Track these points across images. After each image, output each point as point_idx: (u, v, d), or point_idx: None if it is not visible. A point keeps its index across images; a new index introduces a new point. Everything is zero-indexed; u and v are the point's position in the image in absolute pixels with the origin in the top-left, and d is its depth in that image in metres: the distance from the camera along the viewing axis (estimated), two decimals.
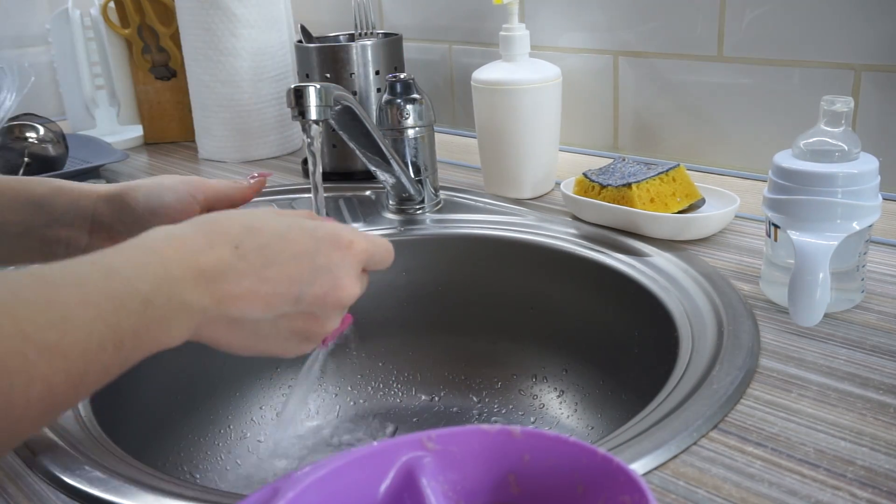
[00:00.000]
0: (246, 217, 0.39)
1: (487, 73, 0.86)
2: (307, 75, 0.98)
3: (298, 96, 0.63)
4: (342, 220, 0.86)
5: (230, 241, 0.37)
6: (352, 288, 0.41)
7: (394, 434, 0.69)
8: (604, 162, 0.86)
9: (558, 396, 0.78)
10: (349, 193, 0.94)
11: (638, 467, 0.44)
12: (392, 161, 0.79)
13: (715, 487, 0.42)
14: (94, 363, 0.31)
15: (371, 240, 0.44)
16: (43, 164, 1.02)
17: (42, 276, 0.31)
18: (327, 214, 0.79)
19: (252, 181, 0.57)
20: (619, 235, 0.76)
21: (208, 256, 0.36)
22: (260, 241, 0.38)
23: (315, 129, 0.64)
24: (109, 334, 0.32)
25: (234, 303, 0.36)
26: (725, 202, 0.77)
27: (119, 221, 0.50)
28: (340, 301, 0.41)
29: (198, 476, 0.70)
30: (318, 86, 0.63)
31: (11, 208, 0.48)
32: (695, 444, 0.46)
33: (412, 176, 0.84)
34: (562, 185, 0.82)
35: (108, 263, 0.33)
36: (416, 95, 0.83)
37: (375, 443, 0.34)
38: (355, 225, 0.85)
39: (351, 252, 0.41)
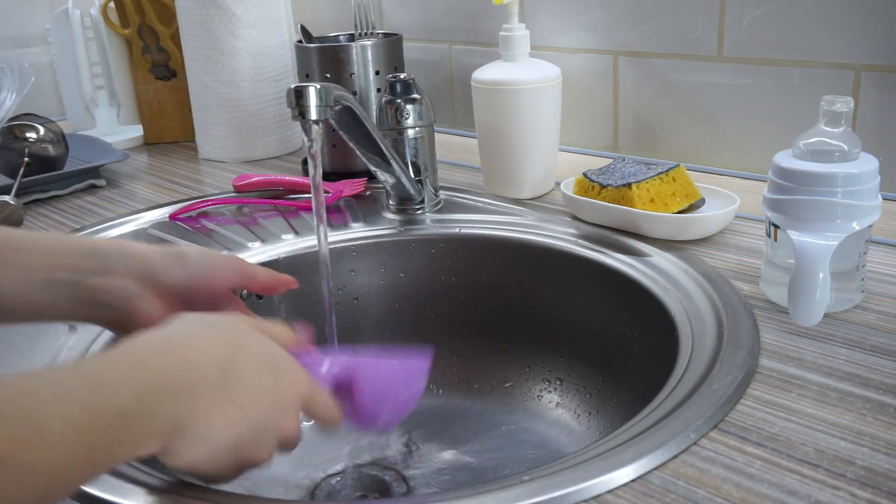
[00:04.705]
0: (229, 337, 0.42)
1: (487, 73, 0.86)
2: (307, 75, 0.98)
3: (298, 96, 0.63)
4: (343, 220, 0.86)
5: (216, 362, 0.39)
6: (291, 428, 0.43)
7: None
8: (604, 162, 0.86)
9: (558, 396, 0.78)
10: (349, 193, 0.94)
11: (638, 467, 0.44)
12: (392, 161, 0.79)
13: (715, 487, 0.42)
14: (61, 481, 0.31)
15: (322, 396, 0.46)
16: (43, 164, 1.02)
17: (24, 388, 0.31)
18: (328, 216, 0.80)
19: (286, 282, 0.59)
20: (619, 235, 0.76)
21: (193, 375, 0.38)
22: (239, 368, 0.40)
23: (315, 129, 0.64)
24: (83, 452, 0.32)
25: (205, 420, 0.38)
26: (725, 202, 0.77)
27: (170, 274, 0.52)
28: (278, 434, 0.43)
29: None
30: (318, 86, 0.63)
31: (66, 256, 0.49)
32: (695, 444, 0.46)
33: (412, 176, 0.84)
34: (562, 185, 0.82)
35: (94, 378, 0.34)
36: (416, 95, 0.83)
37: None
38: (355, 225, 0.85)
39: (304, 399, 0.44)
